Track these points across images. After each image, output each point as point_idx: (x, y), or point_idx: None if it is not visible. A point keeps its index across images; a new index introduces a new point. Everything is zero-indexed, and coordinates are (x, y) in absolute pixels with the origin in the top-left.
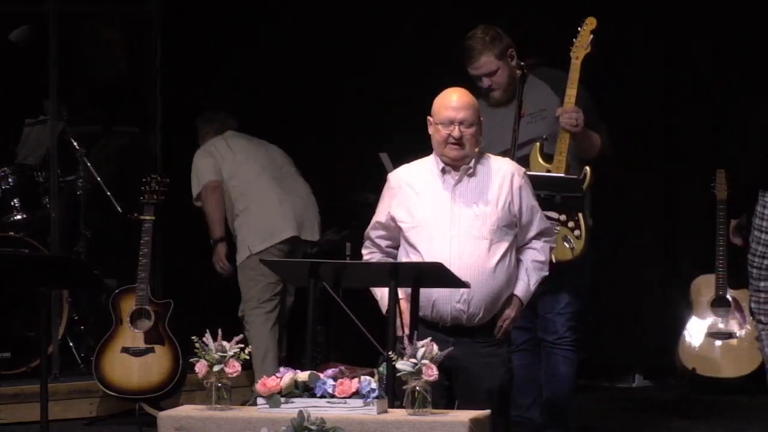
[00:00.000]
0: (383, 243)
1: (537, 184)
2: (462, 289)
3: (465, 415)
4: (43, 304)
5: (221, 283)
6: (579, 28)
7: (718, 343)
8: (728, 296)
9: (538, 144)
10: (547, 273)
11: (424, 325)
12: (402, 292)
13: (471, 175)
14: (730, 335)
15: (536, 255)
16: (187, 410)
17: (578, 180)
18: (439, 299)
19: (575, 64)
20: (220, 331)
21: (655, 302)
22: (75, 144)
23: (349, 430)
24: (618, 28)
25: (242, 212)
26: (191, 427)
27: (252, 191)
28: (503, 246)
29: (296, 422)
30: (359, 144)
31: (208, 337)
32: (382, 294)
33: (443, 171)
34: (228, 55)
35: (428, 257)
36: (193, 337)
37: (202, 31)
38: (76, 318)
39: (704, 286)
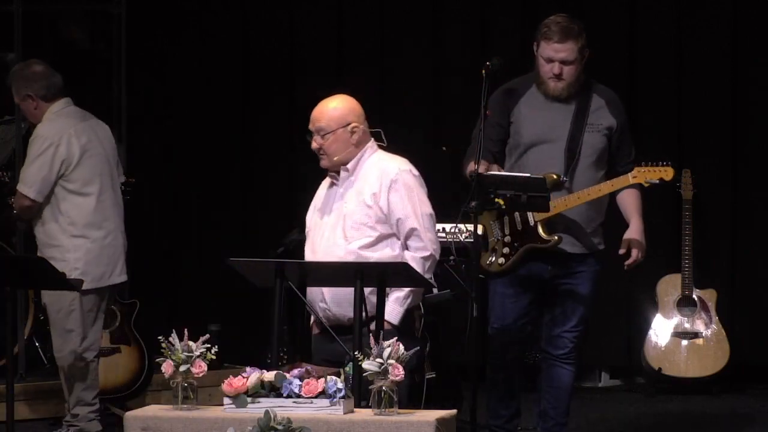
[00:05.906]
0: None
1: (503, 183)
2: (323, 288)
3: (432, 415)
4: (9, 304)
5: (188, 283)
6: (656, 164)
7: (684, 342)
8: (694, 296)
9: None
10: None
11: (320, 327)
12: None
13: (349, 177)
14: (695, 335)
15: None
16: (153, 410)
17: (543, 180)
18: (311, 299)
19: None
20: (186, 331)
21: (622, 302)
22: None
23: (315, 430)
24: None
25: None
26: (157, 427)
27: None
28: (361, 243)
29: (262, 422)
30: None
31: (174, 337)
32: None
33: (330, 176)
34: (191, 54)
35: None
36: (160, 337)
37: (168, 31)
38: (41, 318)
39: (670, 285)
